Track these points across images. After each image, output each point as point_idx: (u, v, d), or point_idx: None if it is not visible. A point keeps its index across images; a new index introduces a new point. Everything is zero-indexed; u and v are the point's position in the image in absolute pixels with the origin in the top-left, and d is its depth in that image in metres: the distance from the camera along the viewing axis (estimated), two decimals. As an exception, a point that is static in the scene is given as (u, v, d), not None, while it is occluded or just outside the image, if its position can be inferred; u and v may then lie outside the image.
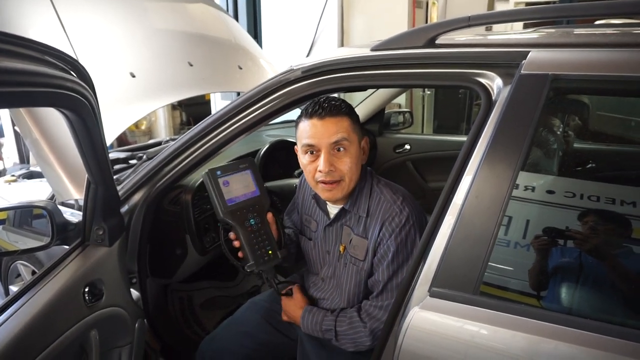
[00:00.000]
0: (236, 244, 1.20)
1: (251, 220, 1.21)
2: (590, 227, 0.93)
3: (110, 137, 1.76)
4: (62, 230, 1.19)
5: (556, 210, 1.06)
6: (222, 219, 1.17)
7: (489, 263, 0.84)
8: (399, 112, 2.76)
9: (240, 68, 2.48)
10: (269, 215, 1.25)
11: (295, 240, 1.42)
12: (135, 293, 1.62)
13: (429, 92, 4.87)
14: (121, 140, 5.27)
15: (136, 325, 1.35)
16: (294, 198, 1.49)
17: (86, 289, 1.06)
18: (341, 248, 1.24)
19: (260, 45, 3.87)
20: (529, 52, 0.93)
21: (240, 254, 1.21)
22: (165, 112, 5.71)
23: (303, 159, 1.20)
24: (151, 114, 5.45)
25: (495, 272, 0.91)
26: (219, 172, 1.19)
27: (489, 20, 0.99)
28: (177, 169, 1.40)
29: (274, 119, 1.31)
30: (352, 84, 1.17)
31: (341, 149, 1.14)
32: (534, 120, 0.86)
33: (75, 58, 0.84)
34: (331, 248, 1.27)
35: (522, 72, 0.91)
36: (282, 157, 1.94)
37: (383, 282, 1.13)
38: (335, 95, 1.23)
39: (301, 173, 1.90)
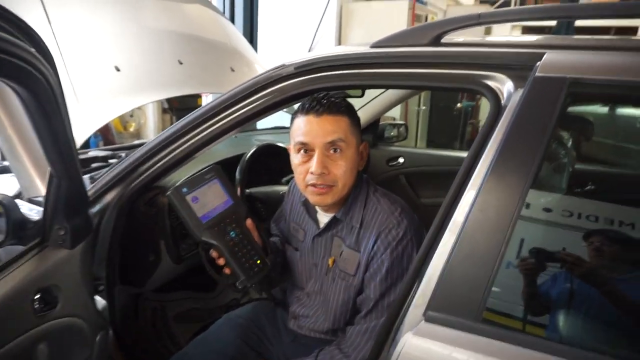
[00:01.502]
0: (220, 261, 1.09)
1: (231, 232, 1.09)
2: (611, 252, 0.83)
3: (90, 130, 1.65)
4: (18, 228, 1.06)
5: (574, 233, 0.96)
6: (201, 239, 1.06)
7: (494, 287, 0.74)
8: (394, 125, 2.68)
9: (233, 70, 2.40)
10: (249, 222, 1.14)
11: (282, 249, 1.31)
12: (101, 302, 1.49)
13: (424, 107, 4.83)
14: (108, 142, 5.13)
15: (97, 338, 1.22)
16: (282, 204, 1.39)
17: (36, 296, 0.93)
18: (330, 261, 1.13)
19: (256, 50, 3.79)
20: (544, 53, 0.84)
21: (227, 271, 1.09)
22: (155, 115, 5.58)
23: (295, 158, 1.09)
24: (141, 116, 5.33)
25: (501, 297, 0.80)
26: (184, 190, 1.06)
27: (501, 18, 0.91)
28: (154, 167, 1.29)
29: (263, 117, 1.21)
30: (349, 82, 1.08)
31: (337, 150, 1.04)
32: (549, 127, 0.77)
33: (34, 30, 0.73)
34: (319, 260, 1.16)
35: (536, 74, 0.82)
36: (270, 162, 1.83)
37: (374, 300, 1.03)
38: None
39: (289, 181, 1.80)
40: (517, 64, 0.88)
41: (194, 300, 2.00)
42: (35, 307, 0.93)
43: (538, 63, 0.83)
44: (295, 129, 1.08)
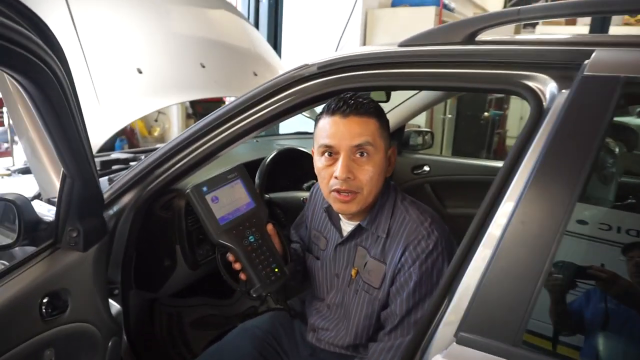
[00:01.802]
0: (237, 266, 1.03)
1: (250, 237, 1.04)
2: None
3: (111, 131, 1.63)
4: (31, 229, 1.04)
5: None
6: (217, 242, 1.01)
7: (536, 307, 0.66)
8: (419, 132, 2.60)
9: (256, 75, 2.38)
10: (269, 227, 1.09)
11: (302, 257, 1.25)
12: (115, 306, 1.45)
13: (450, 116, 4.71)
14: (133, 145, 5.20)
15: (109, 344, 1.19)
16: (303, 210, 1.33)
17: (45, 300, 0.90)
18: (353, 272, 1.06)
19: (280, 56, 3.78)
20: (592, 50, 0.77)
21: (242, 276, 1.03)
22: (179, 120, 5.64)
23: (319, 161, 1.03)
24: (165, 121, 5.39)
25: (544, 319, 0.72)
26: (204, 188, 1.02)
27: (542, 13, 0.84)
28: (172, 170, 1.26)
29: (283, 120, 1.16)
30: (375, 83, 1.02)
31: (364, 154, 0.98)
32: (600, 131, 0.69)
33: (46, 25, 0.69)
34: (341, 271, 1.10)
35: (584, 73, 0.74)
36: (291, 167, 1.78)
37: (400, 316, 0.95)
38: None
39: (311, 187, 1.75)
40: (561, 63, 0.80)
41: (211, 307, 1.96)
42: (43, 311, 0.89)
43: (586, 61, 0.76)
44: (319, 130, 1.03)
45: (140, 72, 1.84)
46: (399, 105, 2.16)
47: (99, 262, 1.11)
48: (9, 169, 2.13)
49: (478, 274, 0.73)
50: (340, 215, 1.11)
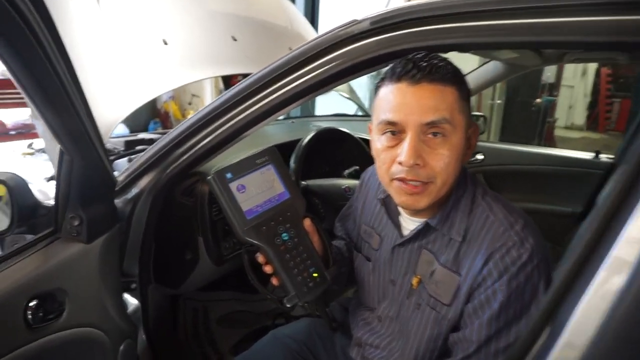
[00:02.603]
0: (267, 269, 0.84)
1: (283, 234, 0.84)
2: None
3: (135, 103, 1.48)
4: (28, 214, 0.88)
5: None
6: (244, 239, 0.82)
7: None
8: (472, 116, 2.33)
9: (291, 50, 2.18)
10: (307, 222, 0.88)
11: (348, 257, 1.05)
12: (133, 302, 1.30)
13: (499, 101, 4.37)
14: (166, 129, 5.13)
15: (121, 347, 1.03)
16: (350, 200, 1.11)
17: (31, 304, 0.73)
18: (414, 281, 0.84)
19: (317, 30, 3.55)
20: None
21: (274, 282, 0.84)
22: (213, 104, 5.53)
23: (378, 141, 0.80)
24: (199, 103, 5.28)
25: None
26: (229, 175, 0.82)
27: None
28: (194, 150, 1.08)
29: (326, 90, 0.95)
30: (446, 41, 0.79)
31: (437, 135, 0.74)
32: None
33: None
34: (398, 277, 0.88)
35: None
36: (331, 151, 1.57)
37: (477, 344, 0.73)
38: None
39: (352, 174, 1.54)
40: None
41: (239, 303, 1.80)
42: (29, 317, 0.72)
43: None
44: (380, 101, 0.79)
45: (165, 43, 1.68)
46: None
47: (107, 255, 0.95)
48: (32, 148, 2.03)
49: (604, 306, 0.51)
50: (399, 209, 0.89)
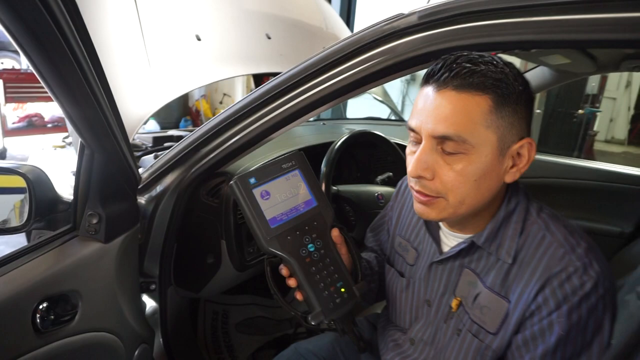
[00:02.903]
0: (291, 283, 0.77)
1: (309, 245, 0.77)
2: None
3: (166, 98, 1.44)
4: (46, 209, 0.84)
5: None
6: (267, 249, 0.75)
7: None
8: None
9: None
10: (335, 233, 0.81)
11: (378, 271, 0.97)
12: (151, 304, 1.26)
13: (538, 111, 4.18)
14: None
15: (136, 352, 0.98)
16: (384, 209, 1.02)
17: (41, 307, 0.69)
18: (454, 303, 0.75)
19: (352, 31, 3.49)
20: None
21: (298, 296, 0.77)
22: (244, 103, 5.54)
23: (407, 148, 0.75)
24: (230, 103, 5.29)
25: None
26: (252, 180, 0.76)
27: None
28: (220, 149, 1.03)
29: (365, 89, 0.88)
30: (506, 38, 0.70)
31: (448, 152, 0.67)
32: None
33: None
34: (435, 298, 0.80)
35: None
36: (364, 155, 1.49)
37: None
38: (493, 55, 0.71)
39: (385, 181, 1.45)
40: None
41: (259, 308, 1.74)
42: (38, 321, 0.68)
43: None
44: (414, 104, 0.73)
45: (198, 39, 1.65)
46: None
47: (125, 256, 0.90)
48: (64, 141, 2.04)
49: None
50: (440, 223, 0.81)
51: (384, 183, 1.38)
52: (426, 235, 0.83)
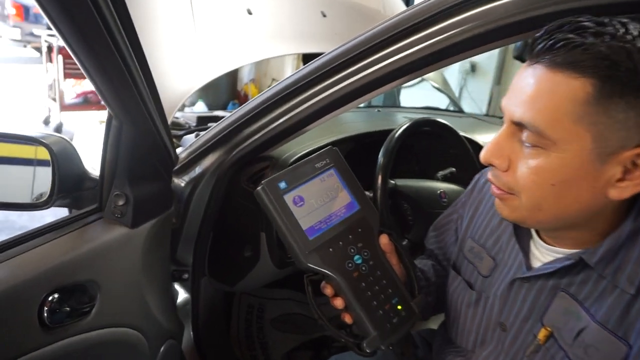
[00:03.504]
0: (337, 303, 0.64)
1: (356, 257, 0.64)
2: None
3: (213, 73, 1.35)
4: (71, 186, 0.76)
5: None
6: (306, 265, 0.62)
7: None
8: None
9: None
10: (383, 240, 0.67)
11: (435, 281, 0.82)
12: (183, 295, 1.18)
13: None
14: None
15: (162, 349, 0.89)
16: (453, 206, 0.86)
17: (51, 298, 0.59)
18: (541, 334, 0.59)
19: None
20: None
21: (347, 319, 0.65)
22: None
23: None
24: (278, 88, 5.22)
25: None
26: (282, 184, 0.63)
27: None
28: (265, 130, 0.91)
29: (444, 65, 0.73)
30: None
31: (527, 144, 0.53)
32: None
33: None
34: (514, 322, 0.64)
35: None
36: (424, 147, 1.33)
37: None
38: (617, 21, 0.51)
39: (447, 177, 1.29)
40: None
41: (297, 304, 1.63)
42: (45, 315, 0.58)
43: None
44: None
45: (250, 13, 1.55)
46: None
47: (154, 243, 0.80)
48: (110, 116, 2.01)
49: None
50: (533, 231, 0.65)
51: (446, 179, 1.22)
52: (511, 243, 0.66)
